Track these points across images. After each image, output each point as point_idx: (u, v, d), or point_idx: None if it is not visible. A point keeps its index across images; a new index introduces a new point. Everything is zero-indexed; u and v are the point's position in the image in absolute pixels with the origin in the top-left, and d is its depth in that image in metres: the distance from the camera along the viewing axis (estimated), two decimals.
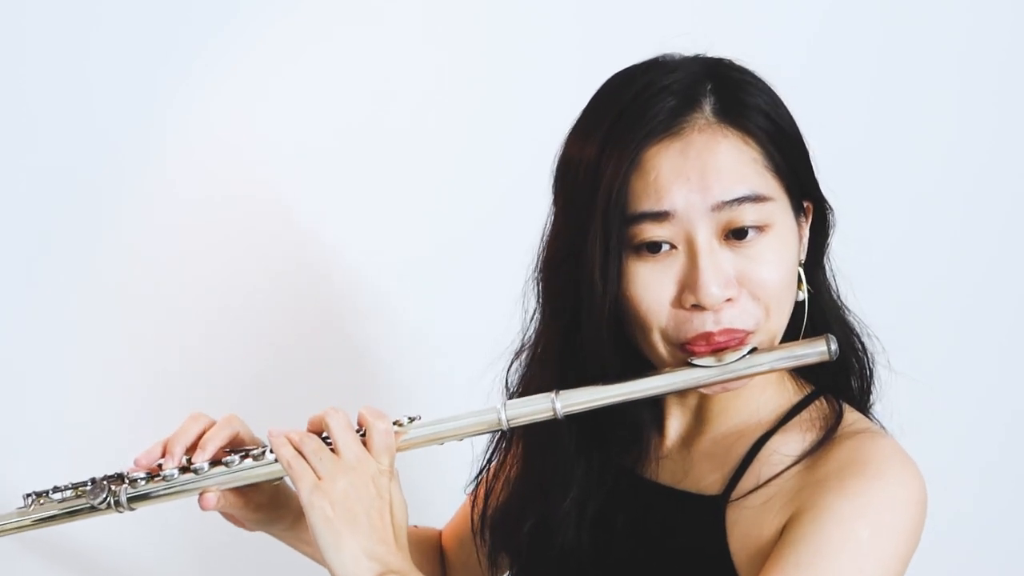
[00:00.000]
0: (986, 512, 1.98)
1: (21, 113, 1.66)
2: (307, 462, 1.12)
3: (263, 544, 1.39)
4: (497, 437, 1.31)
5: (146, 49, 1.68)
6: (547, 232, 1.21)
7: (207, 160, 1.72)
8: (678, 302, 1.11)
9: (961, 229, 1.96)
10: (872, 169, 1.88)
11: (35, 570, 1.69)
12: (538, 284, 1.22)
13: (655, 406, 1.24)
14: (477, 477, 1.34)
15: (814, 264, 1.21)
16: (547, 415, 1.15)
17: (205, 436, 1.20)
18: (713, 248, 1.10)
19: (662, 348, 1.14)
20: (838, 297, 1.23)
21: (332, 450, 1.13)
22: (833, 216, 1.20)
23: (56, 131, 1.66)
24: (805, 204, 1.18)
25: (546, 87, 1.78)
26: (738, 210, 1.10)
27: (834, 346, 1.11)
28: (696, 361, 1.11)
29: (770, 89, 1.16)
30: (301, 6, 1.74)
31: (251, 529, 1.30)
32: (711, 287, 1.09)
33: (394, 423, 1.16)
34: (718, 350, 1.11)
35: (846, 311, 1.23)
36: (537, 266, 1.22)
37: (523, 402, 1.17)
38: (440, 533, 1.48)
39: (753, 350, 1.12)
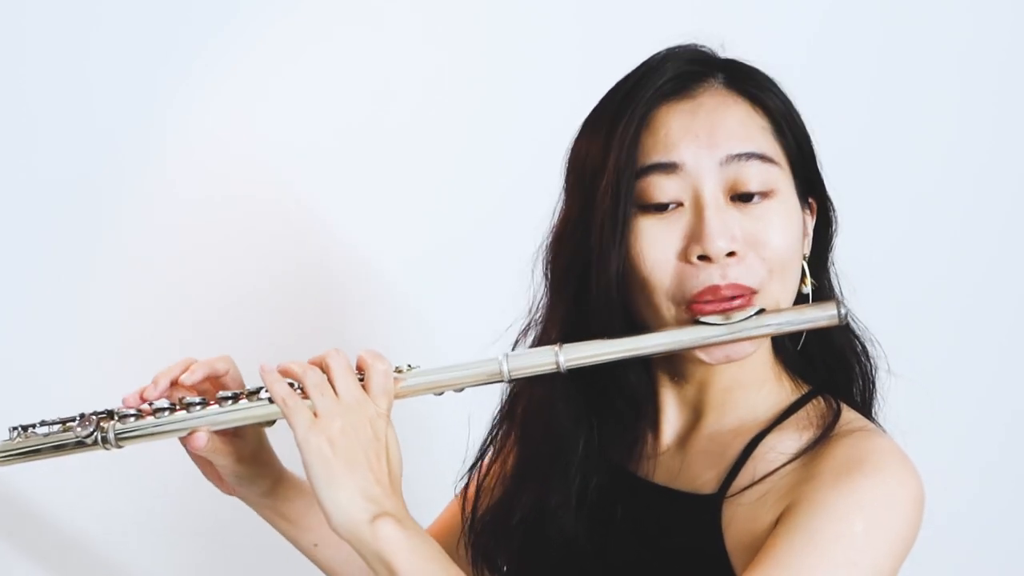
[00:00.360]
0: (985, 513, 1.97)
1: (21, 113, 1.66)
2: (305, 397, 1.10)
3: (255, 538, 1.38)
4: (493, 432, 1.30)
5: (146, 49, 1.68)
6: (556, 217, 1.22)
7: (207, 160, 1.72)
8: (684, 256, 1.12)
9: (960, 230, 1.96)
10: (871, 170, 1.88)
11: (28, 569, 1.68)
12: (546, 262, 1.23)
13: (651, 399, 1.23)
14: (469, 471, 1.33)
15: (818, 266, 1.21)
16: (550, 367, 1.14)
17: (194, 365, 1.20)
18: (720, 204, 1.11)
19: (667, 312, 1.14)
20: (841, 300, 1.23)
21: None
22: (836, 218, 1.21)
23: (56, 131, 1.66)
24: (810, 201, 1.19)
25: (546, 87, 1.79)
26: (745, 167, 1.12)
27: (844, 310, 1.12)
28: (704, 319, 1.11)
29: (780, 87, 1.19)
30: (301, 6, 1.74)
31: (227, 490, 1.28)
32: (717, 238, 1.10)
33: (395, 369, 1.15)
34: (726, 309, 1.11)
35: (850, 315, 1.22)
36: (545, 247, 1.23)
37: (526, 353, 1.16)
38: None
39: (761, 311, 1.12)
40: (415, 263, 1.79)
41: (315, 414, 1.09)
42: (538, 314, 1.25)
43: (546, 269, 1.23)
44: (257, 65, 1.73)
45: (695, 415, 1.22)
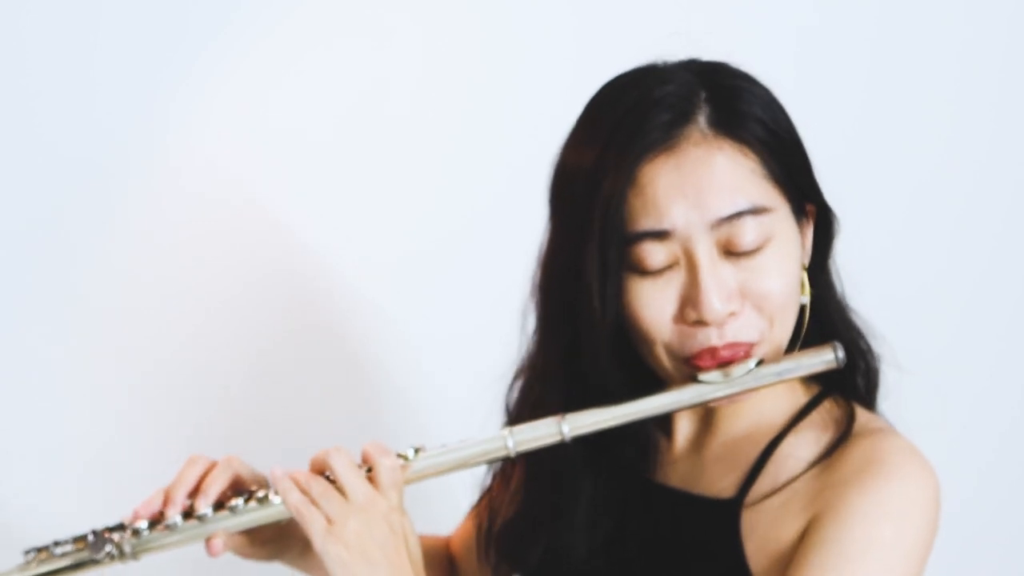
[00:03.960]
0: (983, 511, 1.97)
1: (22, 113, 1.65)
2: (316, 506, 1.10)
3: None
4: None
5: (146, 50, 1.66)
6: (544, 248, 1.20)
7: (205, 160, 1.71)
8: (680, 318, 1.10)
9: (956, 230, 1.96)
10: (868, 169, 1.88)
11: None
12: (537, 302, 1.21)
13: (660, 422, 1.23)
14: (481, 497, 1.33)
15: (818, 267, 1.20)
16: (554, 439, 1.14)
17: (206, 481, 1.17)
18: (714, 262, 1.09)
19: (667, 362, 1.13)
20: (843, 298, 1.22)
21: (339, 491, 1.11)
22: (836, 219, 1.19)
23: (58, 131, 1.65)
24: (807, 207, 1.17)
25: (541, 89, 1.78)
26: (738, 224, 1.08)
27: (841, 354, 1.11)
28: (703, 377, 1.11)
29: (767, 92, 1.15)
30: (299, 8, 1.73)
31: (261, 560, 1.27)
32: (713, 303, 1.08)
33: (398, 455, 1.14)
34: (724, 364, 1.10)
35: (851, 312, 1.22)
36: (535, 284, 1.21)
37: (529, 428, 1.14)
38: (447, 541, 1.46)
39: (760, 362, 1.11)
40: (406, 267, 1.78)
41: (328, 520, 1.09)
42: (530, 353, 1.23)
43: (537, 309, 1.21)
44: (256, 67, 1.72)
45: (708, 421, 1.22)
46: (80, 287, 1.68)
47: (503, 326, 1.27)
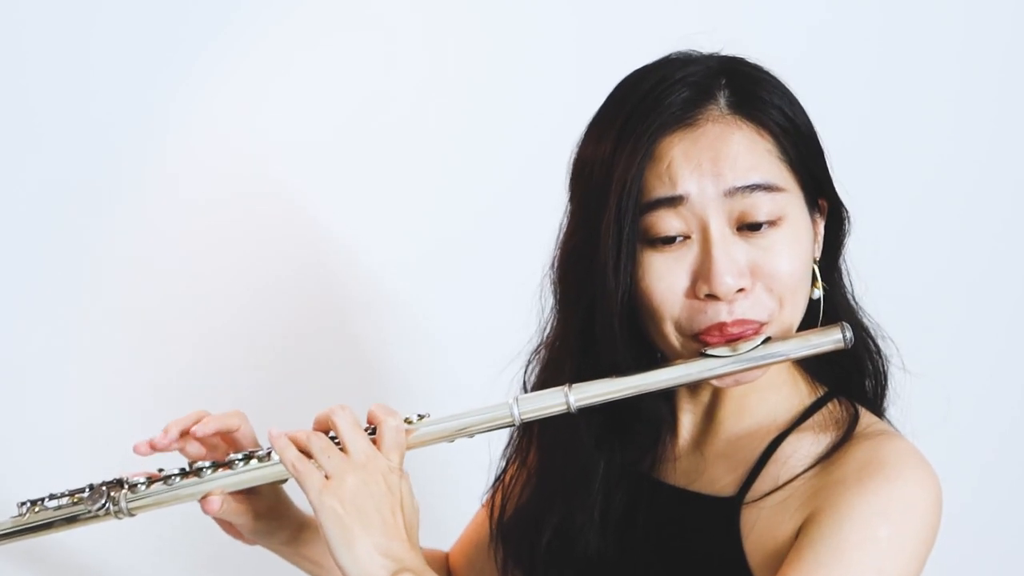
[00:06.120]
0: (983, 511, 1.97)
1: (23, 114, 1.65)
2: (314, 462, 1.10)
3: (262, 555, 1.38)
4: (515, 441, 1.31)
5: (147, 50, 1.66)
6: (562, 231, 1.21)
7: (208, 162, 1.71)
8: (692, 292, 1.11)
9: (957, 230, 1.96)
10: (868, 170, 1.87)
11: None
12: (554, 282, 1.22)
13: (668, 406, 1.23)
14: (495, 484, 1.33)
15: (830, 264, 1.20)
16: (560, 409, 1.14)
17: (204, 419, 1.19)
18: (726, 237, 1.10)
19: (675, 340, 1.13)
20: (853, 298, 1.23)
21: (340, 448, 1.11)
22: (849, 217, 1.19)
23: (57, 131, 1.65)
24: (820, 202, 1.18)
25: (545, 86, 1.78)
26: (751, 198, 1.10)
27: (849, 334, 1.11)
28: (710, 351, 1.11)
29: (785, 87, 1.16)
30: (298, 9, 1.73)
31: (249, 541, 1.28)
32: (725, 276, 1.09)
33: (404, 420, 1.14)
34: (732, 340, 1.11)
35: (862, 313, 1.22)
36: (553, 264, 1.22)
37: (535, 396, 1.16)
38: (447, 555, 1.46)
39: (767, 340, 1.11)
40: (417, 263, 1.78)
41: (327, 476, 1.09)
42: (548, 332, 1.24)
43: (555, 289, 1.22)
44: (258, 66, 1.71)
45: (711, 418, 1.22)
46: (80, 290, 1.68)
47: (529, 324, 1.27)
